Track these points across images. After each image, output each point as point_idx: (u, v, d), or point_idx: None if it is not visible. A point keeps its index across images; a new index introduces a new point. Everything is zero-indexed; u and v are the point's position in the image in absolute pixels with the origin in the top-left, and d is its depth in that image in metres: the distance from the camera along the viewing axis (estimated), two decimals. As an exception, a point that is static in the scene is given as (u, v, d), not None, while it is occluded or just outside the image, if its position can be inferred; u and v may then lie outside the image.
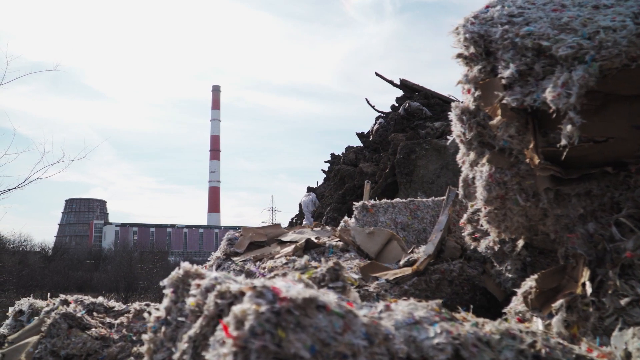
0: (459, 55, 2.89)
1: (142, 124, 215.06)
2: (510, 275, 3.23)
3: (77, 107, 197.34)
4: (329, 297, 1.42)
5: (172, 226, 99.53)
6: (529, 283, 2.68)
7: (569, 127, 2.10)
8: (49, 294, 6.01)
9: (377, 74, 13.74)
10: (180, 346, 1.65)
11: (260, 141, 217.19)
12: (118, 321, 3.29)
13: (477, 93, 2.81)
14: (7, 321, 5.34)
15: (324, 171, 15.74)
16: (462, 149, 3.14)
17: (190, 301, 1.82)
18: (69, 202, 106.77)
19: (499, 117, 2.65)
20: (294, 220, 15.16)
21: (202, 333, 1.59)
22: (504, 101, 2.55)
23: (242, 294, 1.56)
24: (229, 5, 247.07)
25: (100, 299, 3.58)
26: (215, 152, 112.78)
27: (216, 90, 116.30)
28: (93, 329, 3.10)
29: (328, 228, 4.49)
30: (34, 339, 3.13)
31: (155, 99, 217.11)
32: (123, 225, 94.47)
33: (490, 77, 2.74)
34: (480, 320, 1.84)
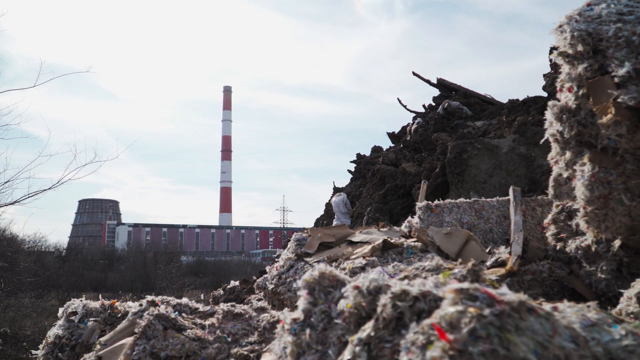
0: (561, 53, 2.85)
1: (153, 124, 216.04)
2: (603, 276, 3.18)
3: (89, 109, 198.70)
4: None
5: (184, 226, 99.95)
6: (642, 284, 2.64)
7: None
8: (100, 295, 6.02)
9: (414, 74, 13.72)
10: (350, 349, 1.63)
11: (271, 141, 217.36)
12: (208, 322, 3.28)
13: (581, 91, 2.78)
14: (60, 322, 5.34)
15: (349, 171, 15.74)
16: (556, 148, 3.09)
17: (345, 303, 1.81)
18: (82, 203, 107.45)
19: (609, 116, 2.61)
20: (320, 221, 15.13)
21: (377, 336, 1.57)
22: (618, 100, 2.52)
23: (424, 296, 1.55)
24: (239, 6, 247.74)
25: (185, 299, 3.59)
26: (226, 152, 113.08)
27: (227, 90, 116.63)
28: (189, 330, 3.10)
29: (396, 228, 4.47)
30: (129, 340, 3.13)
31: (167, 100, 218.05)
32: (136, 225, 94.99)
33: (597, 75, 2.71)
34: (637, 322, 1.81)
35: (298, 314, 2.02)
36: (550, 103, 2.99)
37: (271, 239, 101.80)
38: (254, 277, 11.37)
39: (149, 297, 3.51)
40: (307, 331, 1.92)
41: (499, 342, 1.21)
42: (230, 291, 10.45)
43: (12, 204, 10.72)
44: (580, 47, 2.69)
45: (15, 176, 10.70)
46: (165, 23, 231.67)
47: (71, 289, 30.72)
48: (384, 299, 1.60)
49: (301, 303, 2.03)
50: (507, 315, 1.25)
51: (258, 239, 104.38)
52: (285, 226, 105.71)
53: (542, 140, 3.15)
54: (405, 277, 2.23)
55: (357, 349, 1.60)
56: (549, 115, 3.01)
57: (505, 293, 1.30)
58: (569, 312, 1.66)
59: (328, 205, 14.75)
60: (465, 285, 1.34)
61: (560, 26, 2.81)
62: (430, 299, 1.50)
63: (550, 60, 8.88)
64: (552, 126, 3.02)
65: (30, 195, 10.75)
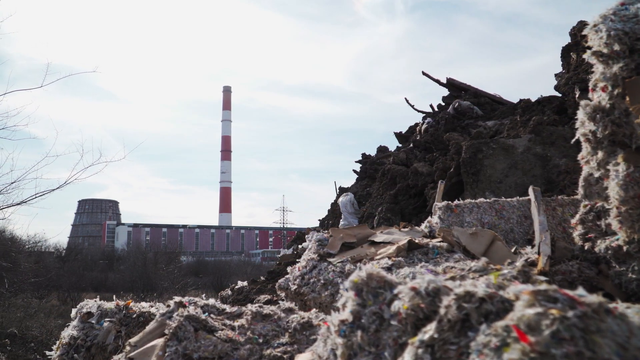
0: (595, 53, 2.84)
1: (154, 125, 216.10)
2: (634, 276, 3.17)
3: (90, 109, 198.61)
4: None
5: (184, 226, 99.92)
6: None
7: None
8: (114, 296, 6.01)
9: (424, 73, 13.74)
10: (411, 351, 1.61)
11: (271, 141, 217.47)
12: (238, 323, 3.27)
13: (616, 91, 2.77)
14: (74, 323, 5.30)
15: (355, 171, 15.75)
16: (587, 148, 3.09)
17: (401, 304, 1.80)
18: (82, 203, 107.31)
19: (647, 116, 2.61)
20: (325, 222, 15.12)
21: (441, 338, 1.56)
22: (657, 99, 2.51)
23: (491, 297, 1.54)
24: (239, 6, 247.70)
25: (212, 300, 3.57)
26: (226, 152, 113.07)
27: (227, 90, 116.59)
28: (220, 331, 3.08)
29: (418, 229, 4.45)
30: (160, 341, 3.12)
31: (167, 100, 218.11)
32: (135, 225, 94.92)
33: (633, 74, 2.70)
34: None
35: (346, 315, 2.01)
36: (582, 102, 2.99)
37: (271, 239, 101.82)
38: (262, 277, 11.37)
39: (177, 298, 3.49)
40: (358, 333, 1.91)
41: (583, 343, 1.20)
42: (239, 291, 10.43)
43: (19, 204, 10.71)
44: (616, 47, 2.69)
45: (23, 177, 10.70)
46: (166, 23, 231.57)
47: (72, 289, 30.69)
48: (447, 300, 1.58)
49: (349, 304, 2.02)
50: (589, 317, 1.24)
51: (258, 239, 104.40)
52: (285, 226, 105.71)
53: (574, 140, 3.15)
54: (452, 277, 2.22)
55: (420, 351, 1.58)
56: (580, 114, 3.00)
57: (584, 294, 1.29)
58: (630, 313, 1.65)
59: (334, 205, 14.75)
60: (543, 286, 1.33)
61: (595, 25, 2.80)
62: (498, 300, 1.49)
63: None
64: (583, 126, 3.01)
65: (37, 195, 10.75)
